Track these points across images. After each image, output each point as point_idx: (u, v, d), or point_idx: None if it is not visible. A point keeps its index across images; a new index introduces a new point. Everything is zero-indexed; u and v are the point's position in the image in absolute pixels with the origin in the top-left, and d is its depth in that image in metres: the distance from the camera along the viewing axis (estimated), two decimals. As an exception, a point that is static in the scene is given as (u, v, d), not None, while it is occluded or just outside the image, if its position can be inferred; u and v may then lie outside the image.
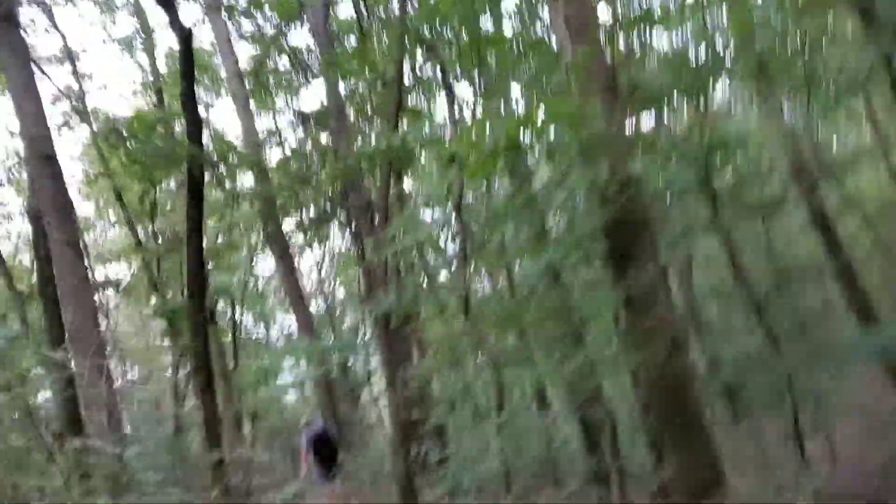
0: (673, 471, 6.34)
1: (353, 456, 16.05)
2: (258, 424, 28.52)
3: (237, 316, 26.00)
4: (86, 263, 8.02)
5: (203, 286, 8.80)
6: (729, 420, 9.57)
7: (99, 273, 19.05)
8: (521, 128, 4.11)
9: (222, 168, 12.09)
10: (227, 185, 13.03)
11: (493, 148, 3.92)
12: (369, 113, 13.13)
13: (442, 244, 8.66)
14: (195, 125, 8.96)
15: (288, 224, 18.32)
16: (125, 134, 9.63)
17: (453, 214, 5.89)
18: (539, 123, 4.08)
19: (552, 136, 5.24)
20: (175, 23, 7.36)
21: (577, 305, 6.42)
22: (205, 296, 9.08)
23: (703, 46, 9.23)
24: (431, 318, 11.73)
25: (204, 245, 9.24)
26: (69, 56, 16.18)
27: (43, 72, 14.99)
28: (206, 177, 11.21)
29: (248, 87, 16.75)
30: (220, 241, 21.92)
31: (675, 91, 8.03)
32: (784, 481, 7.72)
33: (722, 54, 9.16)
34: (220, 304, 26.56)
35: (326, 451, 11.67)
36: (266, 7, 14.00)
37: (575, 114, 4.93)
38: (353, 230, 13.99)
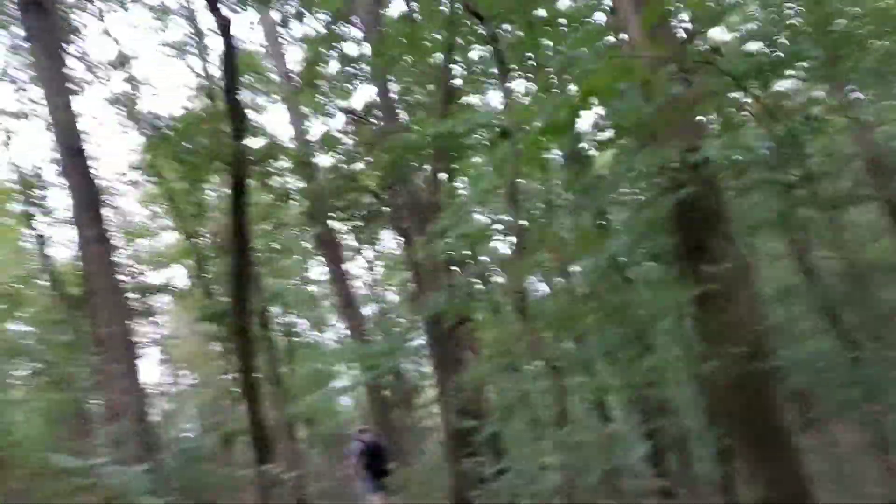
0: (754, 487, 5.68)
1: (403, 466, 15.65)
2: (313, 430, 28.51)
3: (290, 321, 26.05)
4: (116, 261, 7.72)
5: (246, 287, 8.50)
6: (799, 429, 8.83)
7: (155, 277, 19.23)
8: (583, 99, 3.54)
9: (269, 167, 11.80)
10: (275, 184, 12.77)
11: (551, 119, 3.39)
12: (419, 111, 12.71)
13: (495, 239, 8.13)
14: (238, 119, 8.70)
15: (338, 227, 18.13)
16: (170, 132, 9.43)
17: (508, 206, 5.33)
18: (603, 89, 3.52)
19: (616, 105, 4.66)
20: (215, 10, 7.06)
21: (643, 305, 5.78)
22: (248, 297, 8.79)
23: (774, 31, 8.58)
24: (485, 320, 11.20)
25: (250, 246, 8.95)
26: (122, 61, 16.31)
27: (96, 76, 15.14)
28: (253, 176, 10.99)
29: (297, 88, 16.65)
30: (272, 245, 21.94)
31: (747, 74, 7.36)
32: (871, 497, 6.96)
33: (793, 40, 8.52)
34: (274, 310, 26.72)
35: (377, 461, 11.43)
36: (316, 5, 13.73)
37: (646, 77, 4.34)
38: (401, 229, 13.59)
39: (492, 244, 9.08)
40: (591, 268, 6.14)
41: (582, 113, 4.86)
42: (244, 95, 16.72)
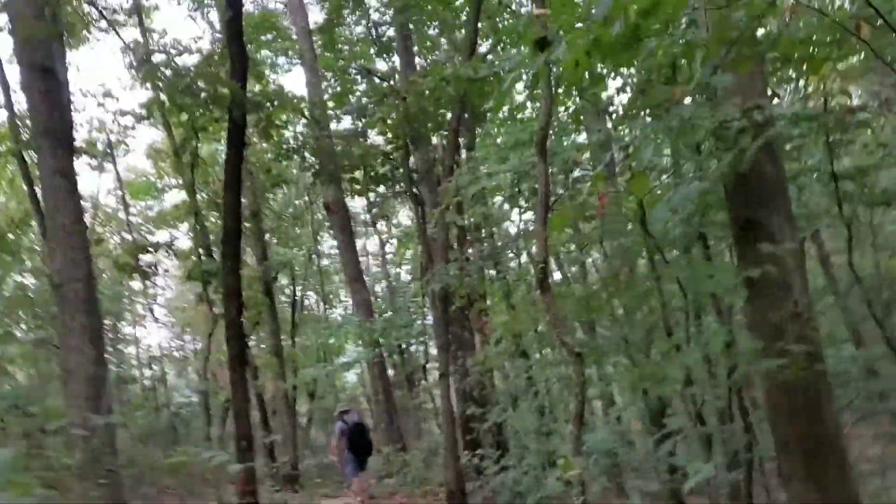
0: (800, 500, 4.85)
1: (400, 449, 14.94)
2: (315, 405, 27.93)
3: (297, 292, 25.44)
4: (80, 199, 6.84)
5: (237, 244, 7.71)
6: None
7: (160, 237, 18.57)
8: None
9: (275, 119, 10.96)
10: (277, 136, 11.92)
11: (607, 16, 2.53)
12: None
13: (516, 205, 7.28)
14: (240, 62, 7.89)
15: (350, 202, 17.39)
16: (168, 74, 8.65)
17: (537, 156, 4.44)
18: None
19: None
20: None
21: (687, 285, 4.91)
22: (239, 255, 8.01)
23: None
24: (496, 302, 10.40)
25: (241, 199, 8.16)
26: (137, 10, 15.57)
27: (110, 23, 14.38)
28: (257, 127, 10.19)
29: (316, 47, 15.86)
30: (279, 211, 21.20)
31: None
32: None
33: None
34: (282, 280, 26.07)
35: (360, 442, 11.29)
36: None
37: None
38: (415, 196, 12.73)
39: (511, 217, 8.26)
40: (625, 240, 5.27)
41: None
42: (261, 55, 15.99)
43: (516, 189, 6.17)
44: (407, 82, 9.66)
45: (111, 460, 5.84)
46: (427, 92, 8.27)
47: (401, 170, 12.32)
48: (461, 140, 10.27)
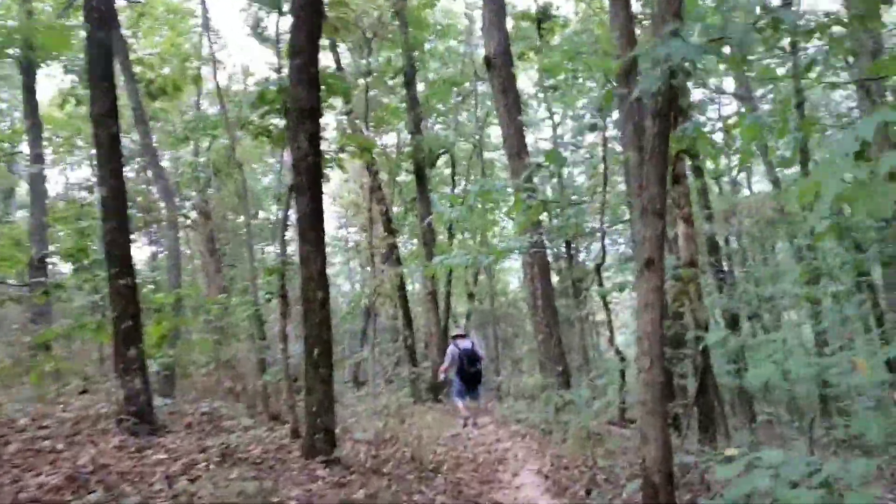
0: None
1: (559, 377, 11.57)
2: (475, 306, 25.44)
3: (459, 183, 22.53)
4: None
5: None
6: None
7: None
8: None
9: None
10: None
11: None
12: None
13: None
14: None
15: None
16: None
17: None
18: None
19: None
20: None
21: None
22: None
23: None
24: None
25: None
26: None
27: None
28: None
29: None
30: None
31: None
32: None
33: None
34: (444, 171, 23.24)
35: (469, 370, 10.98)
36: None
37: None
38: None
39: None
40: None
41: None
42: None
43: None
44: None
45: None
46: None
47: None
48: None
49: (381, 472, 5.88)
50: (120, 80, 13.15)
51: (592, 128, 9.29)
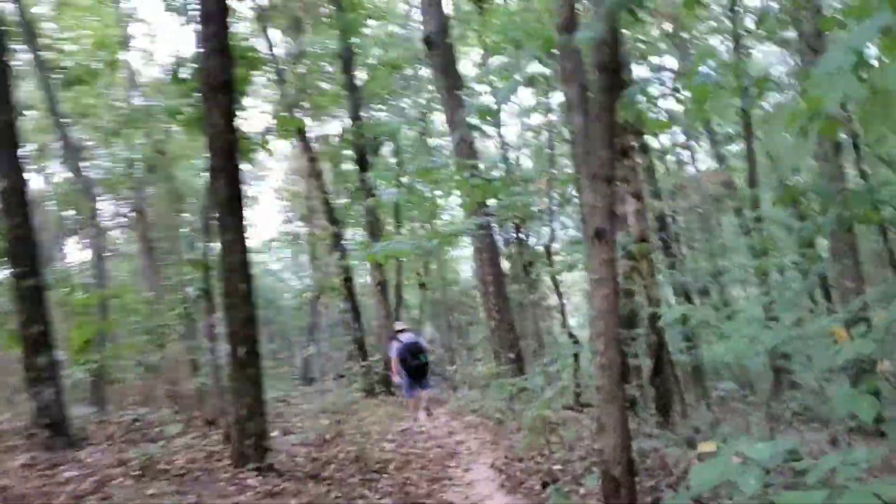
0: None
1: (512, 363, 11.27)
2: (428, 296, 25.04)
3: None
4: None
5: None
6: None
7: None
8: None
9: None
10: None
11: None
12: None
13: None
14: None
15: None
16: None
17: None
18: None
19: None
20: None
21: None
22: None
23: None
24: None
25: None
26: None
27: None
28: None
29: None
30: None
31: None
32: None
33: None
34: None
35: (416, 363, 10.93)
36: None
37: None
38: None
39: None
40: None
41: None
42: None
43: None
44: None
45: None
46: None
47: None
48: None
49: (320, 476, 5.41)
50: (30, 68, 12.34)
51: (531, 81, 8.90)
